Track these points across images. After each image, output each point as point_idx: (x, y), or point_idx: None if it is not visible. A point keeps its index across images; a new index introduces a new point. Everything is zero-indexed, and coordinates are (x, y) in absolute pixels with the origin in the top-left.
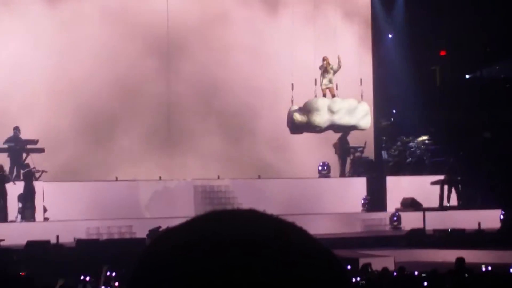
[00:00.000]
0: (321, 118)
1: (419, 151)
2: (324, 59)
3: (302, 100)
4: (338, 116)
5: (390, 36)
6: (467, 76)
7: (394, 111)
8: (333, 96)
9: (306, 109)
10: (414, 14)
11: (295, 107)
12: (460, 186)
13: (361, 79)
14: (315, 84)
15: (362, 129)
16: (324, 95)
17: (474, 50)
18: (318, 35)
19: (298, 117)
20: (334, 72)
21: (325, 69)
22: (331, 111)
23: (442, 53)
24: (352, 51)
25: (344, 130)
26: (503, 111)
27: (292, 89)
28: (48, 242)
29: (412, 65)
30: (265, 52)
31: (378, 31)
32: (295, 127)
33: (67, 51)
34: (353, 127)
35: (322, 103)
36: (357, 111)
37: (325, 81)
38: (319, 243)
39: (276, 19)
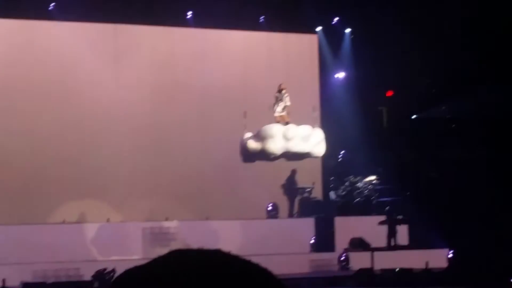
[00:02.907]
0: (275, 145)
1: (366, 191)
2: (279, 86)
3: (255, 129)
4: (293, 143)
5: (336, 75)
6: (413, 117)
7: (343, 151)
8: (287, 123)
9: (261, 136)
10: (361, 55)
11: (249, 134)
12: (408, 225)
13: (313, 107)
14: (272, 110)
15: (316, 157)
16: (278, 122)
17: (420, 90)
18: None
19: (252, 144)
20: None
21: (280, 97)
22: (285, 137)
23: (389, 93)
24: (303, 79)
25: (298, 157)
26: (450, 150)
27: (245, 116)
28: None
29: (359, 105)
30: (214, 90)
31: (325, 71)
32: (249, 155)
33: (16, 87)
34: (307, 155)
35: (277, 129)
36: (311, 137)
37: (279, 108)
38: (281, 283)
39: (223, 55)
